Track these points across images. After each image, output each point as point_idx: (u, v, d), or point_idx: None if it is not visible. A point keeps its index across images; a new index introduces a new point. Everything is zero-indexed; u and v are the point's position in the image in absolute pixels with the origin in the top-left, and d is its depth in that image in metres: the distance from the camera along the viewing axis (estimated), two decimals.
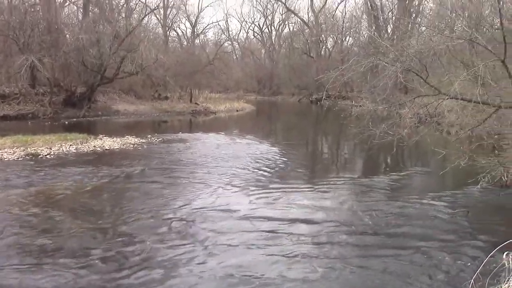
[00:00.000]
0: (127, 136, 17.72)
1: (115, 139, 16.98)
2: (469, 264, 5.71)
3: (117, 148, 15.24)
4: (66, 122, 23.64)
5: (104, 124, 24.80)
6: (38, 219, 7.49)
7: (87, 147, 15.05)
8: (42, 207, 8.13)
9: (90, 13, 33.18)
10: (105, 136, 17.51)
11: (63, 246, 6.25)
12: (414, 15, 40.12)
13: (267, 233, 6.90)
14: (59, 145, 14.77)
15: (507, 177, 9.12)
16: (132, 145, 15.89)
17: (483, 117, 9.32)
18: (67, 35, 29.98)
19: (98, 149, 14.92)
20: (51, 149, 14.17)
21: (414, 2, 42.69)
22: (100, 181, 10.25)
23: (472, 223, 7.47)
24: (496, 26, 14.48)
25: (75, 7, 36.70)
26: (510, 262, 4.75)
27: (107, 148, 15.17)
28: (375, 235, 6.92)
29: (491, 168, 8.86)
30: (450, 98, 9.12)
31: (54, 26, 27.98)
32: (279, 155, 14.37)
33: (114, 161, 12.83)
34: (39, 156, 13.20)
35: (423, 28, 22.18)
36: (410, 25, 25.85)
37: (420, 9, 40.96)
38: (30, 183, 10.01)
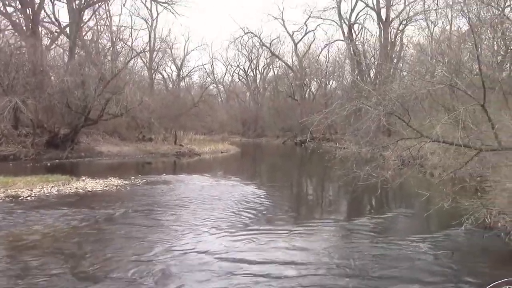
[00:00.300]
0: (110, 178, 17.52)
1: (98, 180, 16.77)
2: None
3: (99, 190, 15.02)
4: (49, 164, 23.32)
5: (87, 166, 24.54)
6: (13, 263, 7.27)
7: (69, 188, 14.81)
8: (19, 251, 7.91)
9: (76, 55, 33.41)
10: (87, 178, 17.29)
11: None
12: (395, 60, 41.20)
13: (251, 277, 6.78)
14: (40, 187, 14.52)
15: (490, 219, 9.16)
16: (115, 187, 15.69)
17: (465, 160, 9.45)
18: (52, 77, 30.05)
19: (80, 191, 14.68)
20: (32, 190, 13.92)
21: (395, 48, 43.93)
22: (80, 224, 10.04)
23: (456, 265, 7.45)
24: (475, 72, 14.92)
25: (61, 50, 36.94)
26: None
27: (89, 190, 14.95)
28: (359, 278, 6.84)
29: (474, 210, 8.92)
30: (432, 141, 9.26)
31: (39, 68, 28.03)
32: (263, 198, 14.29)
33: (96, 203, 12.61)
34: (20, 198, 12.94)
35: (405, 73, 22.76)
36: (392, 70, 26.52)
37: (401, 54, 42.09)
38: (8, 225, 9.76)
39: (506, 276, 5.02)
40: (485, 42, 17.71)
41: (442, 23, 31.74)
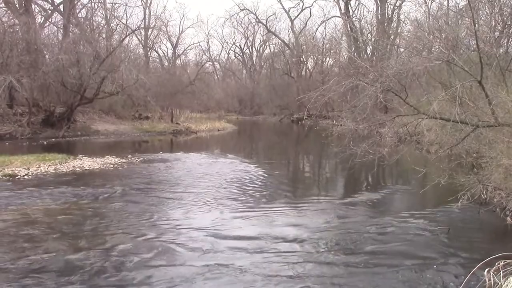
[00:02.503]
0: (107, 156, 17.52)
1: (94, 159, 16.77)
2: (451, 281, 5.72)
3: (97, 168, 15.03)
4: (45, 143, 23.28)
5: (83, 144, 24.51)
6: (15, 238, 7.31)
7: (66, 167, 14.81)
8: (19, 227, 7.95)
9: (70, 33, 33.04)
10: (84, 156, 17.29)
11: (43, 266, 6.10)
12: (392, 36, 40.90)
13: (249, 253, 6.84)
14: (37, 166, 14.51)
15: (486, 194, 9.23)
16: (112, 165, 15.70)
17: (461, 136, 9.49)
18: (47, 56, 29.76)
19: (78, 169, 14.69)
20: (29, 169, 13.90)
21: (392, 25, 43.64)
22: (78, 202, 10.06)
23: (453, 241, 7.52)
24: (472, 48, 14.84)
25: (55, 28, 36.52)
26: (491, 279, 4.78)
27: (86, 168, 14.95)
28: (357, 253, 6.91)
29: (470, 186, 8.98)
30: (429, 118, 9.28)
31: (33, 47, 27.76)
32: (260, 175, 14.33)
33: (94, 182, 12.64)
34: (17, 177, 12.94)
35: (402, 50, 22.65)
36: (389, 47, 26.39)
37: (398, 31, 41.79)
38: (6, 203, 9.79)
39: (502, 251, 5.09)
40: (482, 18, 17.56)
41: None
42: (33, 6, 33.03)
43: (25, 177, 13.05)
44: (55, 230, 7.93)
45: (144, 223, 8.52)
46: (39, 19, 35.47)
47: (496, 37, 16.37)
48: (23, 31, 27.48)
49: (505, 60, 14.91)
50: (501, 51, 16.77)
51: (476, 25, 12.54)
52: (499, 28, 17.51)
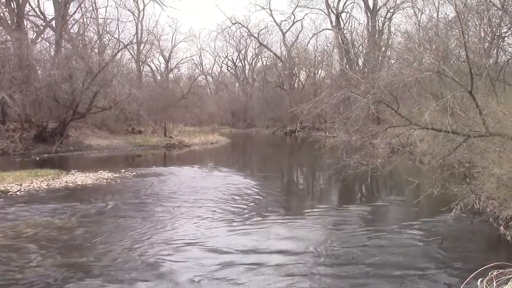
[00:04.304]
0: (100, 171, 17.44)
1: (88, 174, 16.69)
2: None
3: (90, 184, 14.95)
4: (38, 158, 23.15)
5: (76, 159, 24.39)
6: (5, 258, 7.24)
7: (59, 183, 14.72)
8: (10, 243, 7.87)
9: (63, 49, 33.06)
10: (77, 171, 17.20)
11: (33, 282, 6.05)
12: (383, 48, 41.24)
13: (243, 266, 6.81)
14: (29, 182, 14.41)
15: (479, 204, 9.27)
16: (105, 180, 15.63)
17: (453, 146, 9.54)
18: (39, 71, 29.71)
19: (71, 184, 14.61)
20: (21, 185, 13.82)
21: (383, 37, 44.02)
22: (71, 218, 9.97)
23: (446, 251, 7.54)
24: (462, 59, 15.00)
25: (47, 43, 36.48)
26: None
27: (79, 183, 14.87)
28: (352, 265, 6.90)
29: (463, 196, 9.02)
30: (421, 128, 9.33)
31: (25, 62, 27.69)
32: (254, 188, 14.32)
33: (87, 197, 12.56)
34: (9, 193, 12.85)
35: (393, 61, 22.79)
36: (380, 58, 26.55)
37: (389, 42, 42.13)
38: None
39: (495, 260, 5.10)
40: (471, 29, 17.79)
41: (429, 10, 31.81)
42: (25, 22, 33.06)
43: (17, 193, 12.95)
44: (48, 247, 7.86)
45: (137, 238, 8.46)
46: (31, 35, 35.43)
47: (485, 47, 16.58)
48: (15, 47, 27.44)
49: (494, 70, 15.10)
50: (491, 61, 16.97)
51: (466, 36, 12.72)
52: (488, 39, 17.74)
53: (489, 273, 4.93)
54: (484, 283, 4.87)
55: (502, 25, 17.05)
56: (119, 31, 48.23)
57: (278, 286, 6.02)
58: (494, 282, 4.74)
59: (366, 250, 7.64)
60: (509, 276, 4.90)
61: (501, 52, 18.05)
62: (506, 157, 8.38)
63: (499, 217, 8.63)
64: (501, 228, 8.31)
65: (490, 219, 8.88)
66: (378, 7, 44.85)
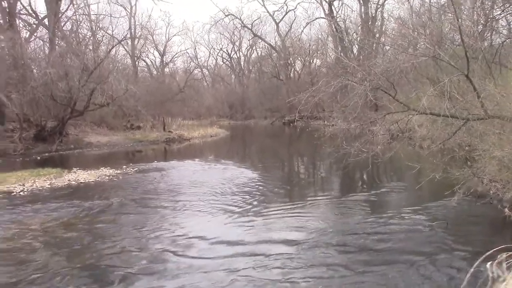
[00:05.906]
0: (101, 168, 17.48)
1: (89, 171, 16.73)
2: (454, 276, 5.81)
3: (92, 181, 15.00)
4: (38, 158, 23.15)
5: (77, 157, 24.39)
6: (15, 254, 7.32)
7: (61, 181, 14.76)
8: (18, 244, 7.94)
9: (57, 47, 32.90)
10: (79, 169, 17.22)
11: (42, 281, 6.12)
12: (377, 35, 41.19)
13: (250, 257, 6.90)
14: (32, 181, 14.46)
15: (481, 187, 9.34)
16: (107, 177, 15.67)
17: (453, 130, 9.59)
18: (34, 70, 29.59)
19: (73, 182, 14.65)
20: (24, 185, 13.86)
21: (376, 23, 43.92)
22: (76, 216, 10.05)
23: (452, 235, 7.61)
24: (457, 43, 15.03)
25: (41, 42, 36.30)
26: (495, 271, 4.83)
27: (82, 181, 14.92)
28: (357, 252, 6.99)
29: (465, 179, 9.08)
30: (420, 113, 9.38)
31: (20, 62, 27.57)
32: (255, 179, 14.41)
33: (91, 194, 12.62)
34: (12, 194, 12.89)
35: (388, 47, 22.79)
36: (374, 45, 26.55)
37: (383, 29, 42.07)
38: (3, 220, 9.77)
39: (502, 243, 5.12)
40: (465, 12, 17.80)
41: None
42: (17, 21, 32.89)
43: (21, 193, 12.99)
44: (55, 245, 7.93)
45: (143, 233, 8.54)
46: (24, 33, 35.27)
47: (479, 30, 16.58)
48: (9, 46, 27.35)
49: (490, 53, 15.10)
50: (486, 44, 16.97)
51: (459, 19, 12.72)
52: (482, 21, 17.73)
53: (498, 256, 4.98)
54: (494, 266, 4.91)
55: (495, 7, 17.06)
56: (112, 27, 48.32)
57: (286, 275, 6.09)
58: (504, 265, 4.77)
59: (371, 237, 7.72)
60: None
61: (496, 34, 18.07)
62: (506, 139, 8.44)
63: (503, 199, 8.71)
64: (506, 210, 8.38)
65: (494, 201, 8.97)
66: None
